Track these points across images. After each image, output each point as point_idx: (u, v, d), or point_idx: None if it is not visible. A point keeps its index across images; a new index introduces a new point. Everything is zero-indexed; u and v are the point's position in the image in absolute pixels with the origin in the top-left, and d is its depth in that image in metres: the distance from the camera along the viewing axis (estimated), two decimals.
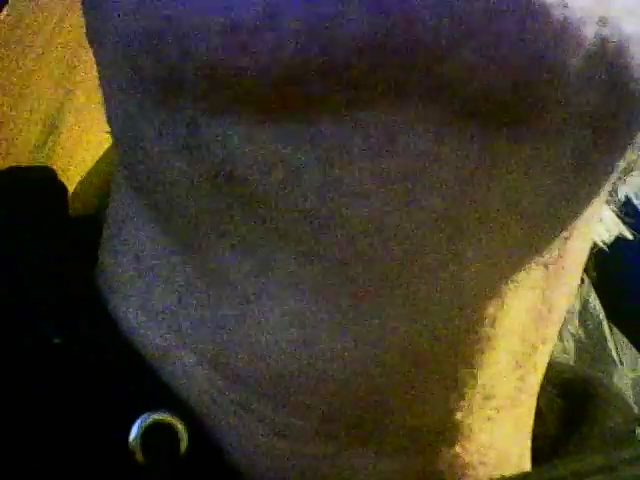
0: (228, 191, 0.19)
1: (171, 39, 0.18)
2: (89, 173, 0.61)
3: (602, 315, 0.55)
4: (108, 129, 0.65)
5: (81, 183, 0.63)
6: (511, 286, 0.21)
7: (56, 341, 0.23)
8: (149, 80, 0.19)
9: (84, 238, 0.28)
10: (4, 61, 0.62)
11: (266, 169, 0.19)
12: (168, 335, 0.23)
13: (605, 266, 0.56)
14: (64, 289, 0.25)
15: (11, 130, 0.61)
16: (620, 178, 0.27)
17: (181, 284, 0.23)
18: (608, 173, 0.21)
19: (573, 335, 0.52)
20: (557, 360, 0.29)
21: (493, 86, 0.17)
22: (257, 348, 0.22)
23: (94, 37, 0.23)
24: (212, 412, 0.23)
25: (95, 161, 0.62)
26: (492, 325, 0.22)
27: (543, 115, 0.18)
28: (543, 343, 0.25)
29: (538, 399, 0.28)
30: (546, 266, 0.23)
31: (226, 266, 0.21)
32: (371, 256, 0.19)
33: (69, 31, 0.65)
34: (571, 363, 0.51)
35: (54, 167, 0.64)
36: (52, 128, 0.62)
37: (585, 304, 0.56)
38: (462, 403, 0.23)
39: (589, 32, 0.17)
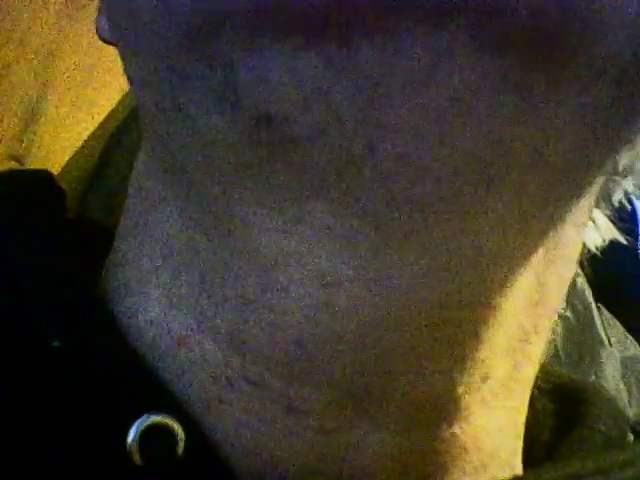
0: (267, 138, 0.19)
1: None
2: (69, 163, 0.61)
3: (590, 297, 0.55)
4: (87, 119, 0.64)
5: (61, 173, 0.62)
6: (520, 255, 0.21)
7: (55, 344, 0.23)
8: (184, 25, 0.18)
9: (83, 240, 0.28)
10: None
11: (305, 105, 0.18)
12: (189, 321, 0.23)
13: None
14: (63, 291, 0.24)
15: None
16: (615, 182, 0.27)
17: (205, 264, 0.22)
18: (622, 139, 0.21)
19: (561, 316, 0.51)
20: (550, 365, 0.29)
21: (541, 13, 0.16)
22: (278, 317, 0.21)
23: (120, 15, 0.22)
24: (224, 396, 0.23)
25: (75, 151, 0.62)
26: (499, 295, 0.22)
27: (578, 54, 0.18)
28: (536, 333, 0.25)
29: (532, 404, 0.28)
30: (546, 249, 0.23)
31: (255, 229, 0.20)
32: (400, 198, 0.19)
33: (49, 20, 0.65)
34: (559, 344, 0.51)
35: (33, 157, 0.63)
36: (31, 118, 0.61)
37: (573, 286, 0.56)
38: (463, 378, 0.23)
39: None
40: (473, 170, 0.19)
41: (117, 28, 0.23)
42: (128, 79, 0.23)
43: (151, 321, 0.24)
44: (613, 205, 0.29)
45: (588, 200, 0.24)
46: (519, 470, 0.26)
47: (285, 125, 0.18)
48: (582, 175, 0.21)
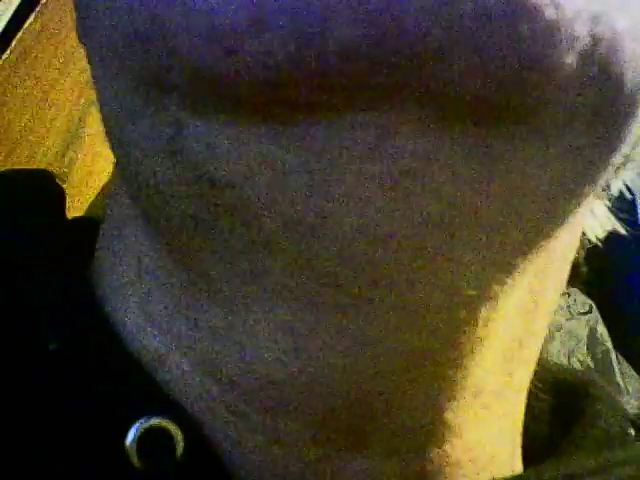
0: (212, 197, 0.18)
1: (157, 39, 0.17)
2: (107, 183, 0.62)
3: (609, 344, 0.55)
4: None
5: (100, 192, 0.63)
6: (505, 288, 0.20)
7: (52, 347, 0.22)
8: (136, 78, 0.18)
9: (82, 241, 0.27)
10: (28, 71, 0.62)
11: (251, 173, 0.18)
12: (165, 339, 0.22)
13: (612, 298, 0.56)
14: (61, 294, 0.23)
15: (32, 139, 0.62)
16: (613, 173, 0.26)
17: (178, 287, 0.22)
18: (604, 169, 0.20)
19: (581, 363, 0.52)
20: (550, 360, 0.29)
21: (486, 88, 0.16)
22: (247, 356, 0.21)
23: (84, 33, 0.22)
24: (207, 419, 0.22)
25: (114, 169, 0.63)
26: (485, 326, 0.21)
27: (538, 114, 0.17)
28: (532, 337, 0.24)
29: (531, 399, 0.27)
30: (536, 268, 0.22)
31: (215, 273, 0.20)
32: (361, 264, 0.18)
33: None
34: None
35: (75, 177, 0.65)
36: (73, 138, 0.62)
37: (593, 332, 0.56)
38: (452, 403, 0.22)
39: (581, 30, 0.16)
40: (436, 233, 0.18)
41: (83, 38, 0.23)
42: (94, 83, 0.23)
43: (130, 334, 0.23)
44: (612, 195, 0.28)
45: (582, 210, 0.23)
46: (519, 470, 0.26)
47: (231, 189, 0.18)
48: (564, 211, 0.20)
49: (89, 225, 0.28)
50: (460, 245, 0.18)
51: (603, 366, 0.55)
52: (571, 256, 0.25)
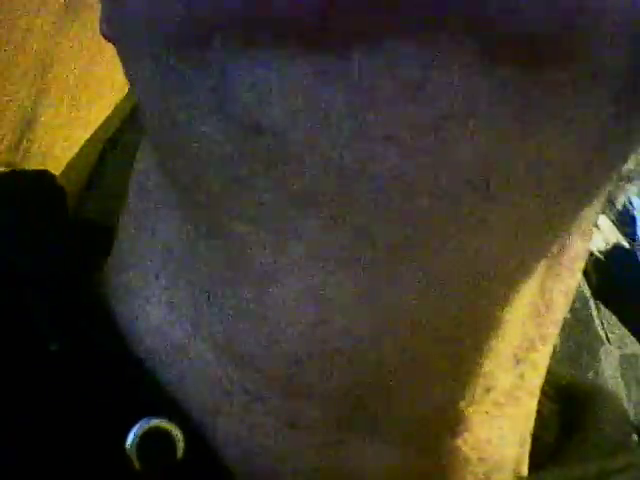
0: (257, 150, 0.18)
1: None
2: (66, 169, 0.61)
3: (588, 294, 0.55)
4: (83, 125, 0.64)
5: (58, 178, 0.62)
6: (521, 269, 0.21)
7: (53, 348, 0.22)
8: (177, 31, 0.18)
9: (83, 241, 0.28)
10: None
11: (295, 115, 0.18)
12: (188, 327, 0.23)
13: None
14: (62, 294, 0.24)
15: None
16: (618, 187, 0.27)
17: (204, 273, 0.22)
18: (623, 155, 0.20)
19: None
20: (553, 367, 0.29)
21: (531, 26, 0.16)
22: (273, 330, 0.21)
23: (113, 24, 0.23)
24: (223, 408, 0.23)
25: (70, 158, 0.62)
26: (501, 309, 0.21)
27: (577, 64, 0.17)
28: (542, 342, 0.24)
29: (538, 406, 0.27)
30: (549, 258, 0.22)
31: (249, 245, 0.20)
32: (395, 215, 0.19)
33: (42, 29, 0.65)
34: (557, 342, 0.51)
35: (30, 164, 0.63)
36: (27, 127, 0.61)
37: None
38: (464, 392, 0.23)
39: None
40: (468, 186, 0.18)
41: (113, 28, 0.23)
42: (127, 79, 0.23)
43: (151, 326, 0.23)
44: (617, 209, 0.29)
45: (593, 209, 0.24)
46: (524, 474, 0.26)
47: (275, 135, 0.18)
48: (583, 189, 0.20)
49: (90, 225, 0.30)
50: (487, 204, 0.18)
51: (582, 316, 0.54)
52: (581, 264, 0.25)
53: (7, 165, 0.61)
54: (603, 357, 0.54)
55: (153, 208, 0.24)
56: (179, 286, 0.23)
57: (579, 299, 0.55)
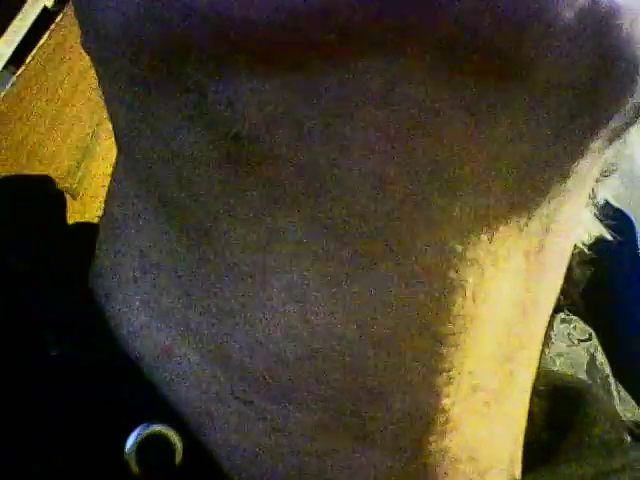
0: (238, 156, 0.19)
1: (174, 2, 0.18)
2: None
3: (608, 370, 0.56)
4: None
5: None
6: (490, 259, 0.21)
7: (53, 353, 0.22)
8: (153, 49, 0.19)
9: (82, 245, 0.27)
10: (41, 87, 0.63)
11: (271, 124, 0.18)
12: (172, 333, 0.22)
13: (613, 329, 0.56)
14: (62, 300, 0.24)
15: (45, 155, 0.62)
16: (599, 180, 0.26)
17: (186, 276, 0.22)
18: (587, 145, 0.20)
19: None
20: (547, 367, 0.29)
21: (491, 36, 0.17)
22: (257, 331, 0.21)
23: (89, 36, 0.23)
24: (214, 412, 0.22)
25: None
26: (473, 301, 0.21)
27: (533, 70, 0.18)
28: (531, 340, 0.24)
29: (529, 405, 0.27)
30: (526, 254, 0.22)
31: (230, 244, 0.21)
32: (367, 214, 0.19)
33: None
34: None
35: (87, 192, 0.65)
36: (85, 154, 0.63)
37: (593, 359, 0.57)
38: (448, 389, 0.22)
39: None
40: (434, 184, 0.19)
41: (89, 43, 0.23)
42: (102, 92, 0.23)
43: (135, 331, 0.23)
44: (598, 202, 0.28)
45: (573, 207, 0.24)
46: (517, 475, 0.25)
47: (253, 143, 0.19)
48: (546, 182, 0.21)
49: (89, 230, 0.28)
50: (453, 199, 0.19)
51: (603, 392, 0.55)
52: (566, 261, 0.25)
53: (63, 189, 0.62)
54: None
55: (130, 216, 0.24)
56: (160, 290, 0.23)
57: (600, 375, 0.56)
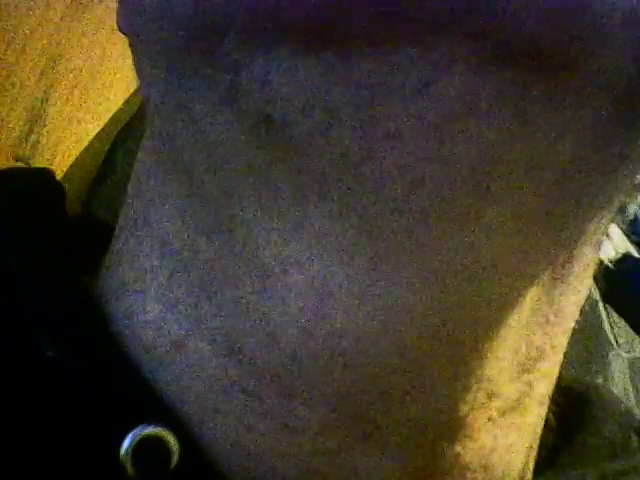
0: (268, 140, 0.19)
1: None
2: (73, 164, 0.61)
3: (597, 296, 0.55)
4: (91, 120, 0.64)
5: (66, 174, 0.62)
6: (521, 270, 0.21)
7: (49, 354, 0.22)
8: (191, 27, 0.19)
9: (83, 238, 0.28)
10: None
11: (305, 110, 0.18)
12: (186, 324, 0.23)
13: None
14: (60, 300, 0.24)
15: None
16: (629, 195, 0.27)
17: (204, 267, 0.22)
18: (626, 152, 0.20)
19: None
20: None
21: (536, 33, 0.17)
22: (273, 327, 0.21)
23: (128, 19, 0.23)
24: (220, 407, 0.22)
25: (80, 152, 0.62)
26: (501, 311, 0.21)
27: (579, 69, 0.18)
28: (552, 351, 0.24)
29: None
30: (554, 264, 0.22)
31: (256, 234, 0.20)
32: (398, 208, 0.19)
33: (53, 22, 0.65)
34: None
35: (39, 159, 0.63)
36: (36, 120, 0.61)
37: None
38: (465, 396, 0.22)
39: None
40: (468, 182, 0.19)
41: (127, 23, 0.24)
42: (136, 73, 0.23)
43: (149, 322, 0.23)
44: (627, 218, 0.28)
45: (602, 218, 0.23)
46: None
47: (285, 128, 0.19)
48: (583, 190, 0.20)
49: (89, 223, 0.30)
50: (486, 200, 0.19)
51: (591, 318, 0.54)
52: (591, 273, 0.25)
53: (15, 158, 0.61)
54: (612, 360, 0.53)
55: (152, 204, 0.24)
56: (177, 282, 0.23)
57: (588, 302, 0.54)
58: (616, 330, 0.56)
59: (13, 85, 0.61)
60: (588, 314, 0.54)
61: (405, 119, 0.18)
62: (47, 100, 0.60)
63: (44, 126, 0.61)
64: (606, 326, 0.55)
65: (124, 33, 0.24)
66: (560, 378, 0.29)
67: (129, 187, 0.26)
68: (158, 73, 0.21)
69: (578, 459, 0.27)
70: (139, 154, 0.26)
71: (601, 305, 0.55)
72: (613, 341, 0.55)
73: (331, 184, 0.19)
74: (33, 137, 0.62)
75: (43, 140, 0.62)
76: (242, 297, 0.21)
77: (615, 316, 0.56)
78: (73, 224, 0.29)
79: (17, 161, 0.62)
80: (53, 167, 0.63)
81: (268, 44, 0.18)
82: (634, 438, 0.28)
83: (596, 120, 0.19)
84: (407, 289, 0.20)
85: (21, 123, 0.61)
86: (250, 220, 0.20)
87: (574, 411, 0.29)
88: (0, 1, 0.64)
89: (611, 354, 0.54)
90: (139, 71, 0.23)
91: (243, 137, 0.19)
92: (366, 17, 0.17)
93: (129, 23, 0.23)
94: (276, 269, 0.21)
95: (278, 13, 0.17)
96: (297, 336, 0.21)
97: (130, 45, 0.23)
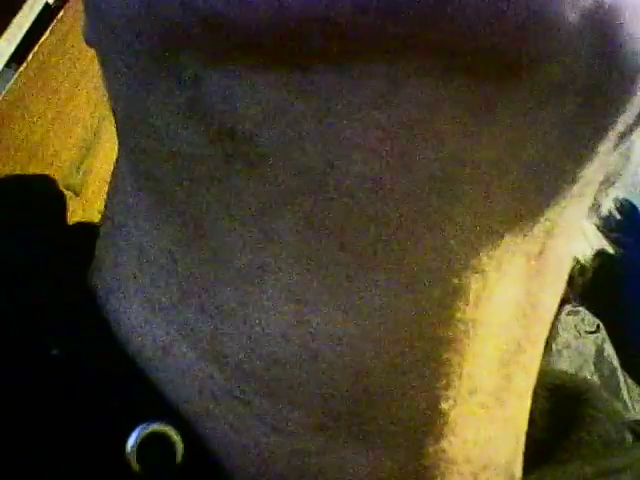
0: (232, 152, 0.19)
1: None
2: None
3: (616, 362, 0.56)
4: None
5: None
6: (494, 265, 0.21)
7: (54, 352, 0.22)
8: (153, 40, 0.18)
9: (82, 245, 0.27)
10: (44, 84, 0.63)
11: (266, 123, 0.18)
12: (170, 330, 0.22)
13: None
14: (62, 299, 0.24)
15: (48, 153, 0.62)
16: (602, 191, 0.26)
17: (184, 274, 0.22)
18: (593, 148, 0.20)
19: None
20: (548, 366, 0.29)
21: (492, 38, 0.17)
22: (254, 331, 0.21)
23: (94, 19, 0.23)
24: (211, 410, 0.22)
25: None
26: (476, 306, 0.21)
27: (538, 71, 0.17)
28: (530, 344, 0.24)
29: (530, 404, 0.27)
30: (528, 257, 0.22)
31: (227, 243, 0.20)
32: (365, 218, 0.19)
33: None
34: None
35: (90, 189, 0.65)
36: (87, 152, 0.63)
37: (600, 351, 0.56)
38: (448, 392, 0.22)
39: None
40: (435, 187, 0.19)
41: (91, 36, 0.24)
42: (104, 86, 0.23)
43: (133, 327, 0.23)
44: (601, 214, 0.28)
45: (575, 210, 0.23)
46: (517, 475, 0.25)
47: (248, 140, 0.19)
48: (552, 185, 0.20)
49: (89, 229, 0.28)
50: (455, 202, 0.19)
51: (610, 384, 0.55)
52: (568, 265, 0.25)
53: (65, 186, 0.63)
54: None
55: (128, 212, 0.24)
56: (158, 289, 0.23)
57: (608, 367, 0.55)
58: (633, 396, 0.57)
59: (67, 118, 0.62)
60: (608, 379, 0.55)
61: (366, 129, 0.18)
62: (99, 132, 0.62)
63: (95, 157, 0.63)
64: (624, 393, 0.56)
65: (91, 46, 0.24)
66: (552, 376, 0.29)
67: (108, 195, 0.26)
68: (122, 85, 0.21)
69: (573, 456, 0.27)
70: (115, 164, 0.26)
71: (619, 372, 0.56)
72: (630, 408, 0.56)
73: (296, 195, 0.19)
74: (84, 167, 0.64)
75: (94, 170, 0.63)
76: (222, 303, 0.22)
77: (631, 382, 0.57)
78: (74, 230, 0.29)
79: (67, 190, 0.64)
80: (102, 197, 0.64)
81: (226, 60, 0.18)
82: (628, 436, 0.28)
83: (560, 117, 0.19)
84: (383, 294, 0.20)
85: (73, 154, 0.63)
86: (219, 229, 0.21)
87: (569, 409, 0.29)
88: (57, 36, 0.65)
89: (626, 417, 0.55)
90: (106, 84, 0.23)
91: (206, 149, 0.19)
92: (323, 33, 0.17)
93: (93, 36, 0.23)
94: (252, 277, 0.21)
95: (233, 30, 0.17)
96: (277, 339, 0.21)
97: (97, 58, 0.23)
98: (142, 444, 0.21)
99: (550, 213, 0.21)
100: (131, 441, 0.21)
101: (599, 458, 0.26)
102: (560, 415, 0.28)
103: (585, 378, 0.50)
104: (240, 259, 0.20)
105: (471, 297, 0.21)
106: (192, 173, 0.20)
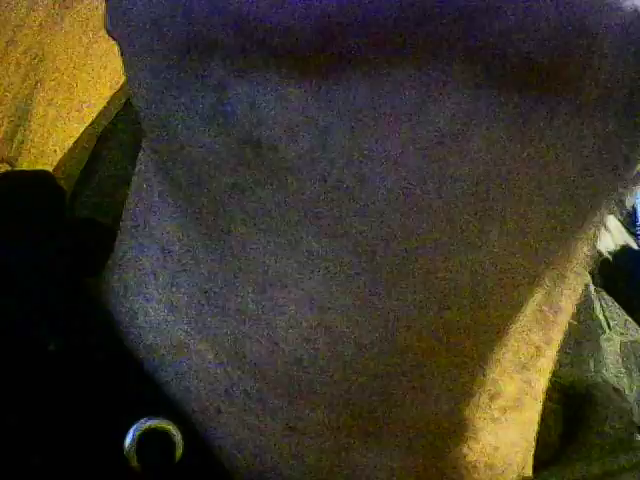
0: (255, 162, 0.19)
1: None
2: (59, 163, 0.61)
3: (588, 278, 0.55)
4: (77, 119, 0.63)
5: (53, 173, 0.61)
6: (526, 280, 0.21)
7: (51, 348, 0.22)
8: (179, 43, 0.18)
9: (82, 240, 0.28)
10: None
11: (294, 133, 0.18)
12: (188, 328, 0.23)
13: None
14: (60, 294, 0.24)
15: None
16: (627, 188, 0.26)
17: (205, 275, 0.22)
18: (627, 160, 0.20)
19: None
20: (555, 366, 0.29)
21: (532, 50, 0.16)
22: (275, 334, 0.21)
23: (116, 21, 0.23)
24: (221, 407, 0.22)
25: (65, 152, 0.61)
26: (505, 319, 0.21)
27: (578, 85, 0.17)
28: (548, 347, 0.24)
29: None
30: (555, 269, 0.22)
31: (250, 248, 0.20)
32: (395, 232, 0.19)
33: (36, 22, 0.65)
34: None
35: (24, 158, 0.63)
36: (21, 120, 0.61)
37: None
38: (469, 399, 0.22)
39: (627, 3, 0.16)
40: (469, 204, 0.18)
41: (114, 28, 0.23)
42: (128, 82, 0.23)
43: (150, 324, 0.23)
44: (625, 210, 0.28)
45: (600, 215, 0.23)
46: (529, 477, 0.26)
47: (273, 151, 0.18)
48: (586, 198, 0.20)
49: (89, 225, 0.30)
50: (488, 220, 0.18)
51: (582, 301, 0.53)
52: (587, 266, 0.25)
53: (0, 158, 0.61)
54: (604, 344, 0.53)
55: (151, 208, 0.24)
56: (179, 286, 0.23)
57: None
58: (607, 313, 0.56)
59: None
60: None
61: (399, 142, 0.17)
62: (31, 100, 0.60)
63: (29, 126, 0.61)
64: (597, 310, 0.55)
65: (114, 39, 0.24)
66: (561, 376, 0.29)
67: (130, 192, 0.26)
68: (145, 85, 0.21)
69: (582, 455, 0.27)
70: (139, 158, 0.26)
71: (592, 288, 0.55)
72: (605, 324, 0.55)
73: (322, 207, 0.19)
74: (18, 137, 0.62)
75: (28, 140, 0.61)
76: (243, 305, 0.21)
77: (608, 299, 0.56)
78: (73, 226, 0.29)
79: (2, 162, 0.62)
80: (38, 167, 0.63)
81: (255, 67, 0.17)
82: (637, 435, 0.29)
83: (599, 133, 0.18)
84: (407, 303, 0.20)
85: (6, 124, 0.61)
86: (241, 235, 0.20)
87: (576, 409, 0.29)
88: None
89: (602, 337, 0.54)
90: (129, 81, 0.23)
91: (228, 157, 0.19)
92: (358, 37, 0.16)
93: (116, 29, 0.23)
94: (274, 282, 0.20)
95: (266, 37, 0.17)
96: (298, 341, 0.21)
97: (120, 51, 0.23)
98: (141, 440, 0.21)
99: (582, 223, 0.21)
100: (129, 437, 0.21)
101: (607, 457, 0.26)
102: (569, 416, 0.28)
103: (593, 377, 0.50)
104: (261, 264, 0.20)
105: (499, 310, 0.21)
106: (210, 180, 0.19)
